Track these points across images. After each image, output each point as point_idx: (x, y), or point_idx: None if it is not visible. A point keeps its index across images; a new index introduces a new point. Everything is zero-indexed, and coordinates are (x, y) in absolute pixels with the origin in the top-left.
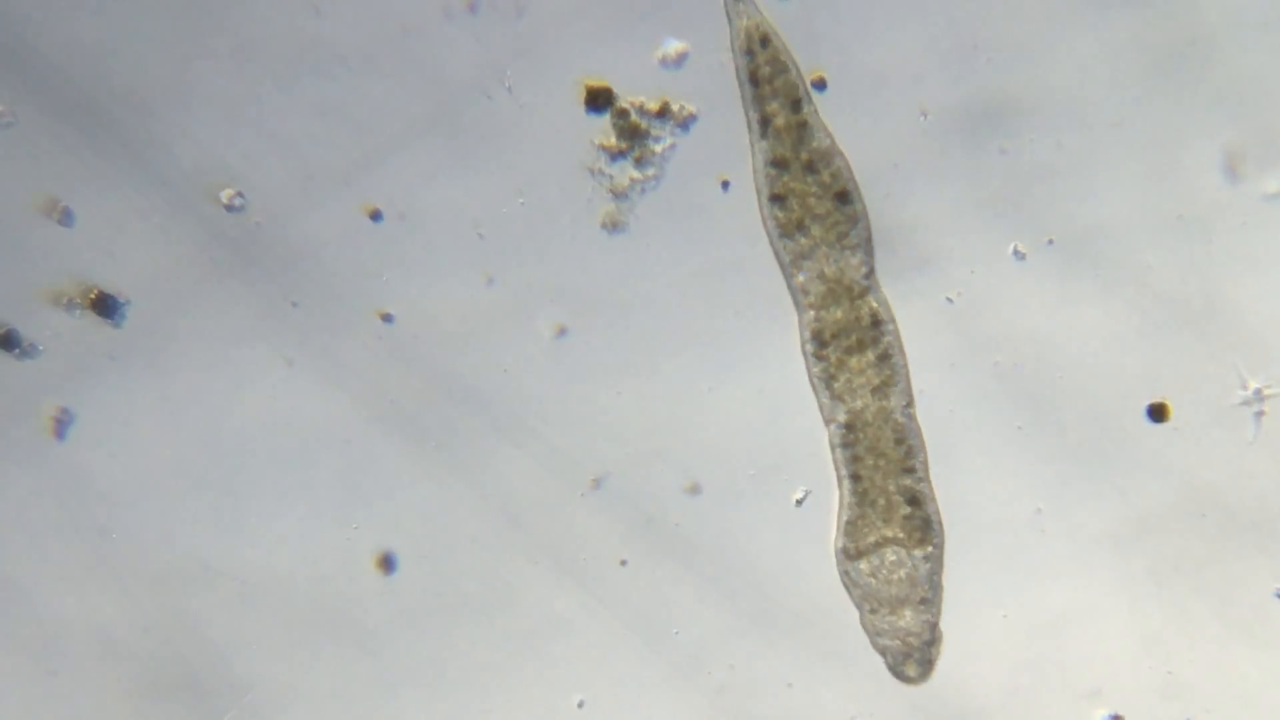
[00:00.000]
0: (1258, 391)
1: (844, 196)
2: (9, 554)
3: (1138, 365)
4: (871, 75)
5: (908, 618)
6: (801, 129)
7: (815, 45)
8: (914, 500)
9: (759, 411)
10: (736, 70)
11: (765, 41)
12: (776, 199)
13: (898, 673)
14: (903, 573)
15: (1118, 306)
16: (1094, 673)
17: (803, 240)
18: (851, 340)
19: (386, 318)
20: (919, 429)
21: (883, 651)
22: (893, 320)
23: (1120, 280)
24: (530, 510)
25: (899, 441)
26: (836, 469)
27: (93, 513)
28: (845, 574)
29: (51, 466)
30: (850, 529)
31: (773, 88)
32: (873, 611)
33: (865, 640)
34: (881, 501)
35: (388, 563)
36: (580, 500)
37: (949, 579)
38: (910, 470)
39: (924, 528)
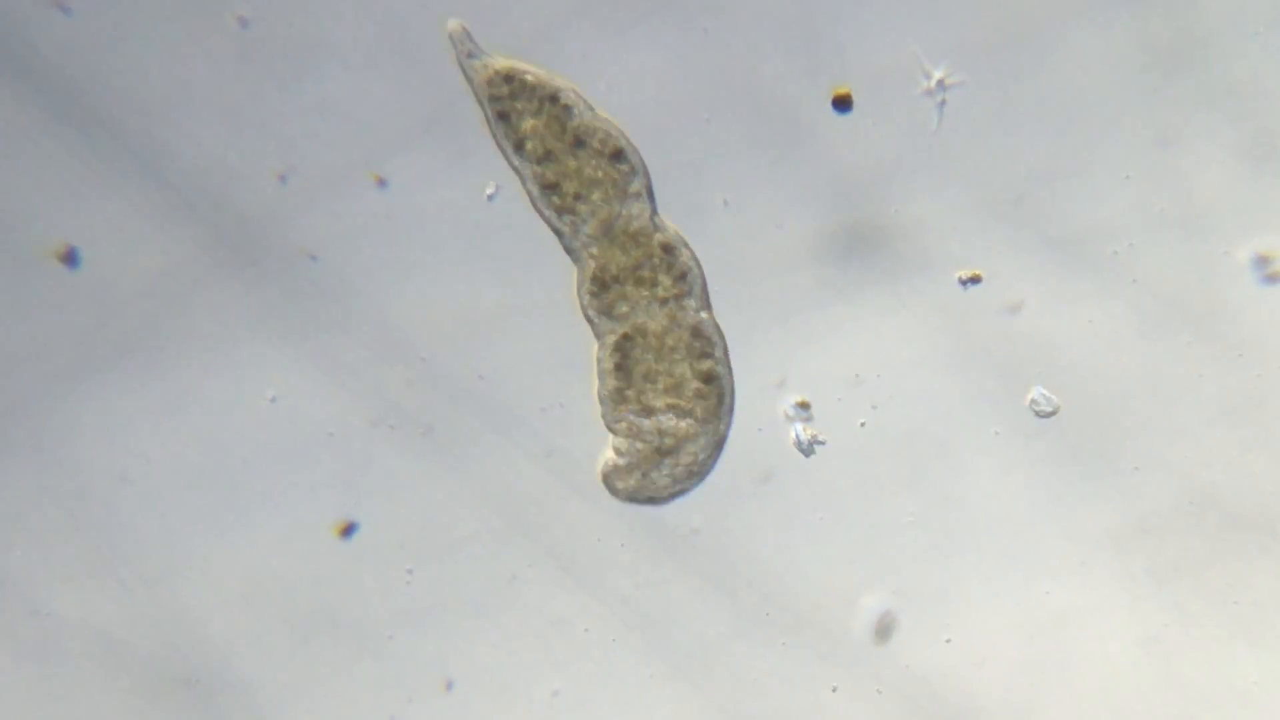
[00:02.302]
0: (940, 81)
1: (618, 155)
2: (9, 554)
3: (1138, 365)
4: (872, 75)
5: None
6: (559, 117)
7: (816, 44)
8: (709, 378)
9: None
10: (486, 118)
11: (509, 78)
12: (550, 187)
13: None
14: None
15: (1118, 306)
16: (1094, 673)
17: (582, 207)
18: (644, 273)
19: (384, 316)
20: (717, 325)
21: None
22: (686, 245)
23: (1120, 280)
24: (530, 510)
25: (696, 335)
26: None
27: (93, 513)
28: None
29: (52, 465)
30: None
31: (521, 105)
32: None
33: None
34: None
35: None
36: (580, 500)
37: (949, 579)
38: (708, 355)
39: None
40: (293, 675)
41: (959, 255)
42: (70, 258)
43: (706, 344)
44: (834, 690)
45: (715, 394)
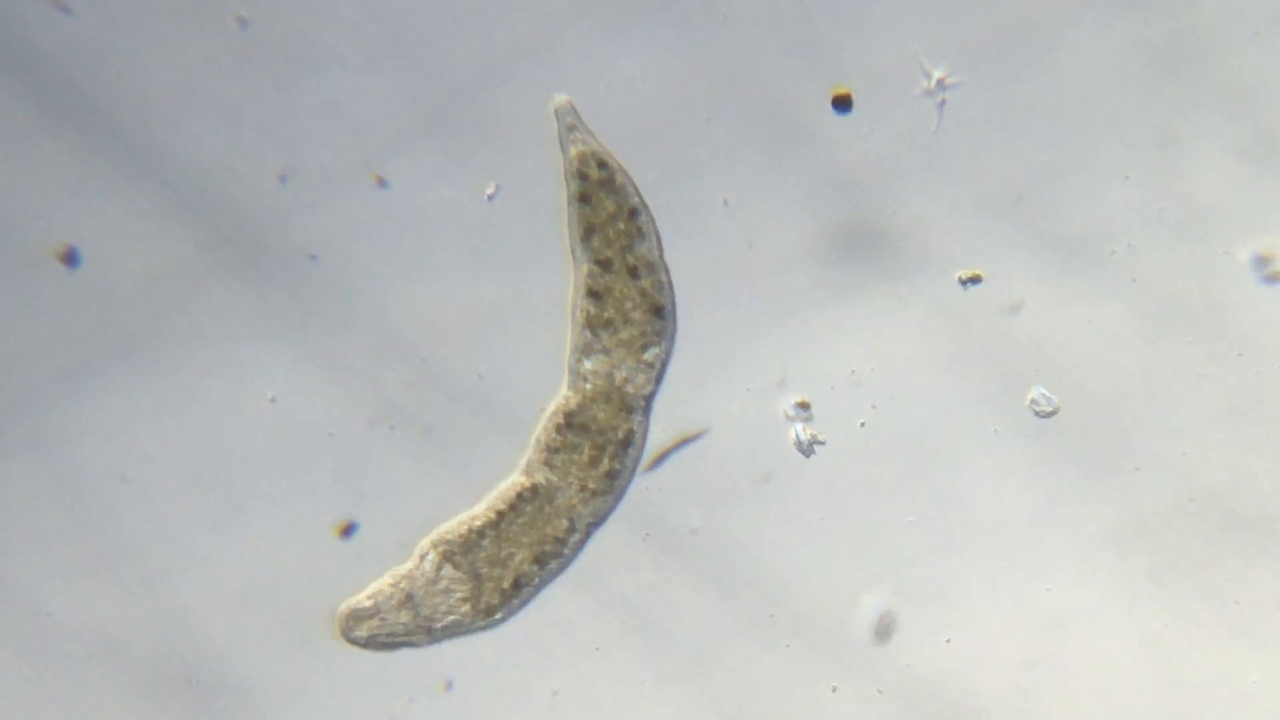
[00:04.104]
0: (940, 81)
1: (659, 311)
2: (9, 554)
3: (1138, 365)
4: (872, 75)
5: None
6: (630, 234)
7: (815, 45)
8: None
9: None
10: (569, 191)
11: (603, 164)
12: (594, 294)
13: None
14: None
15: (1118, 306)
16: (1094, 673)
17: (606, 338)
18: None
19: (384, 316)
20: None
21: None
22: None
23: (1120, 280)
24: (623, 612)
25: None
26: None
27: (93, 513)
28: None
29: (52, 465)
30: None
31: (604, 200)
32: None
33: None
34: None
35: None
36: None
37: (949, 579)
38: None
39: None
40: (293, 675)
41: (959, 255)
42: (70, 258)
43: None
44: (834, 690)
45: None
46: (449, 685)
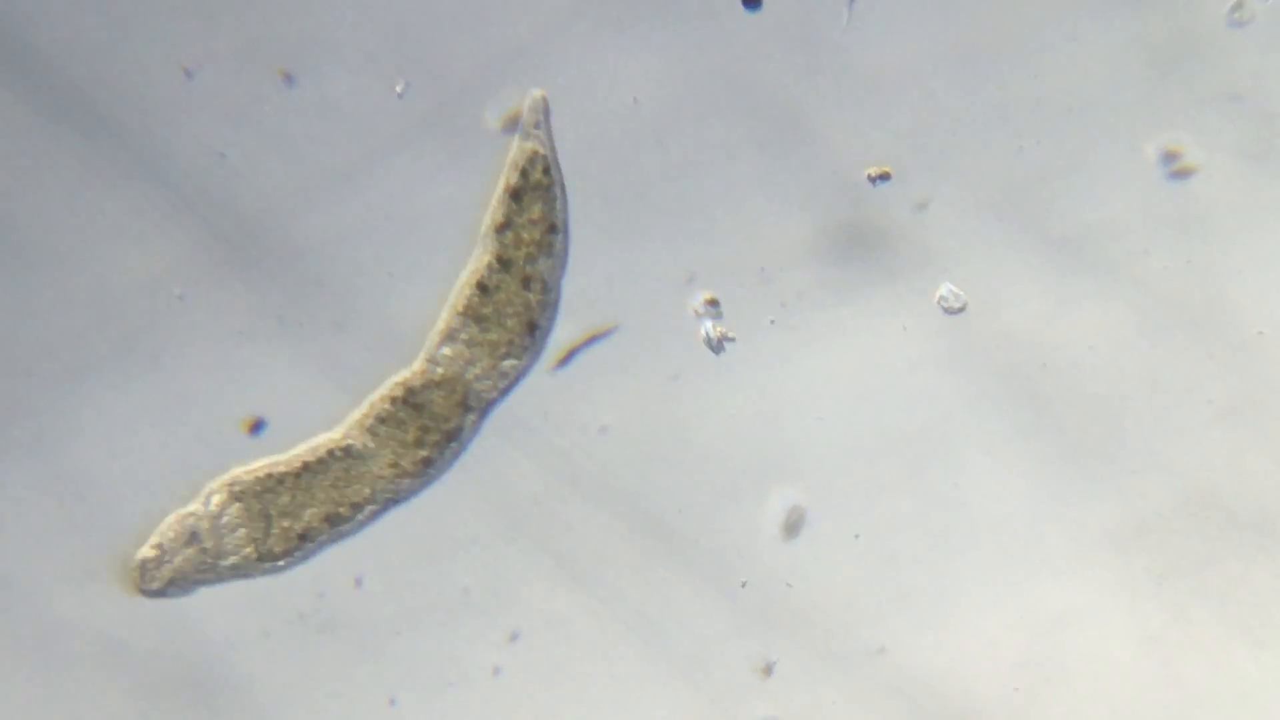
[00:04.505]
0: None
1: (533, 328)
2: (9, 554)
3: (1138, 365)
4: (873, 75)
5: None
6: (540, 246)
7: (817, 45)
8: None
9: None
10: (504, 180)
11: (549, 170)
12: (481, 287)
13: None
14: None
15: (1118, 307)
16: (1094, 673)
17: (474, 331)
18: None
19: (385, 316)
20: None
21: None
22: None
23: (1120, 280)
24: (530, 510)
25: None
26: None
27: (93, 513)
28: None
29: (52, 465)
30: None
31: (532, 203)
32: None
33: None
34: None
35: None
36: (579, 500)
37: (949, 579)
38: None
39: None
40: (293, 675)
41: (959, 255)
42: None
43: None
44: (743, 585)
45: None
46: (449, 685)
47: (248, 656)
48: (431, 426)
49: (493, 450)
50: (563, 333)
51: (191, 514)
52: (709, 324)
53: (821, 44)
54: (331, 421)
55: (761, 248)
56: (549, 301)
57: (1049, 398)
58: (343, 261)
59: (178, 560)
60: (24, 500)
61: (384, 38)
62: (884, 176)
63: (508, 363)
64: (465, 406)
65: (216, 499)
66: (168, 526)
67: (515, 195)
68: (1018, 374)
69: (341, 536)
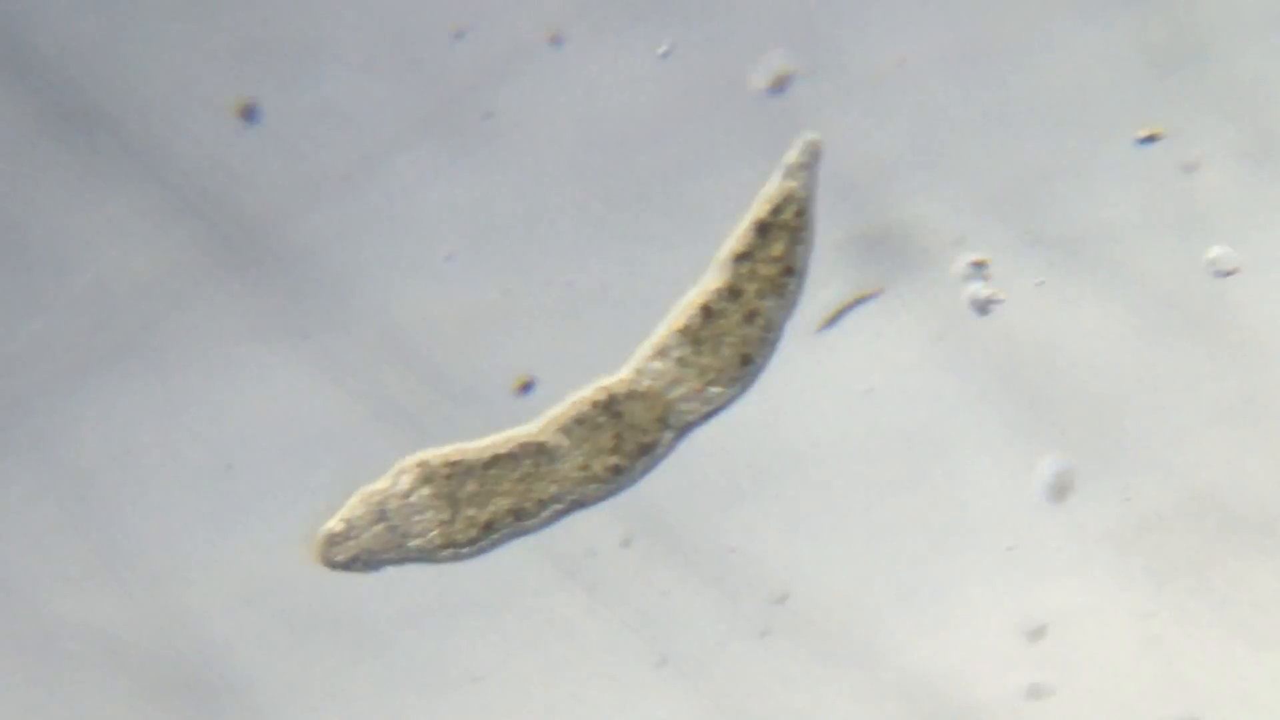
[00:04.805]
0: None
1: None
2: (9, 554)
3: (1138, 365)
4: (874, 75)
5: None
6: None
7: (817, 44)
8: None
9: None
10: (754, 211)
11: (800, 214)
12: (706, 310)
13: None
14: None
15: (1118, 307)
16: (1094, 673)
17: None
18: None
19: (384, 316)
20: None
21: None
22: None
23: (1120, 280)
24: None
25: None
26: None
27: (93, 513)
28: None
29: (52, 465)
30: None
31: (769, 250)
32: None
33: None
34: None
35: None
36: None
37: (949, 579)
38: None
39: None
40: (293, 675)
41: (959, 255)
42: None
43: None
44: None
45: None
46: (449, 685)
47: (248, 656)
48: (627, 436)
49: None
50: (829, 293)
51: (380, 491)
52: (976, 285)
53: (822, 45)
54: (333, 419)
55: (853, 350)
56: (769, 340)
57: (1049, 398)
58: (343, 261)
59: (365, 537)
60: (24, 500)
61: (384, 38)
62: (1152, 138)
63: (715, 389)
64: (664, 423)
65: (407, 479)
66: (356, 503)
67: (761, 229)
68: (1018, 374)
69: (523, 532)
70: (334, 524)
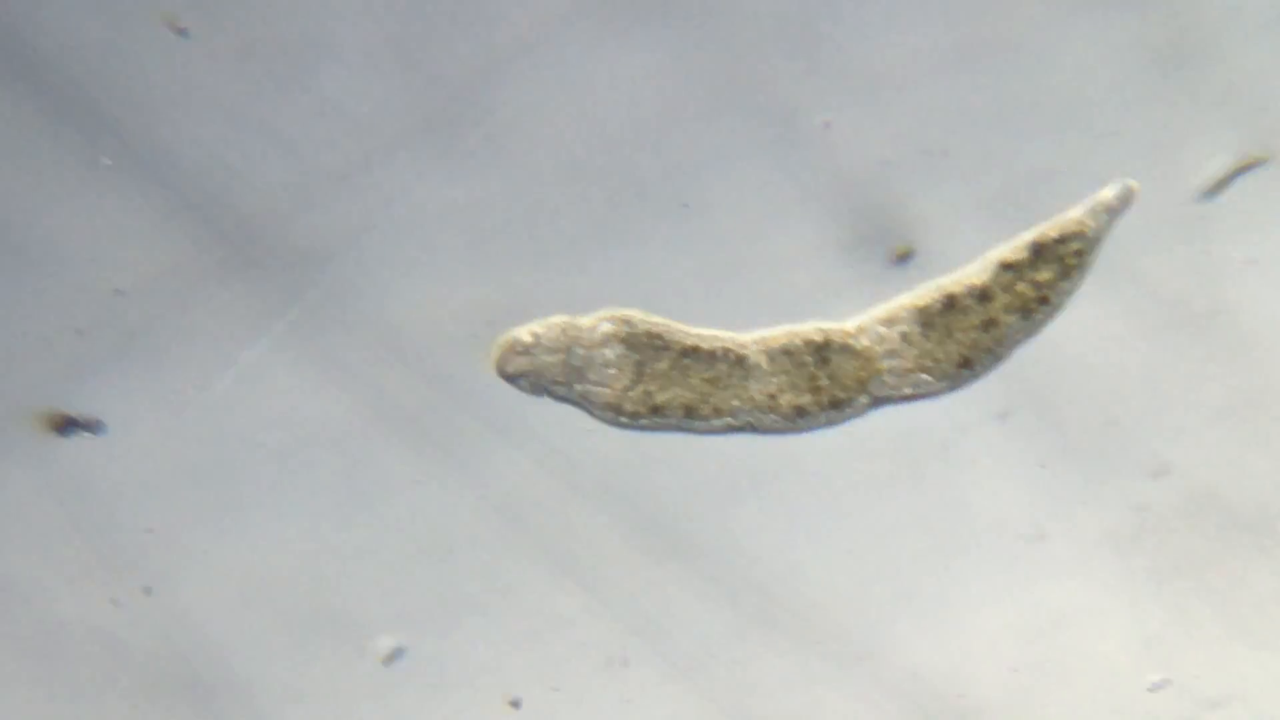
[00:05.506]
0: None
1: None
2: (9, 554)
3: (1138, 365)
4: (874, 74)
5: None
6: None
7: (817, 44)
8: None
9: None
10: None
11: (1080, 254)
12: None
13: None
14: None
15: (1118, 307)
16: (1094, 673)
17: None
18: None
19: (384, 316)
20: None
21: None
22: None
23: (1120, 280)
24: (530, 510)
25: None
26: None
27: (93, 513)
28: None
29: (52, 465)
30: None
31: (1037, 272)
32: None
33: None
34: None
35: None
36: (578, 500)
37: (949, 579)
38: None
39: None
40: (293, 675)
41: (959, 255)
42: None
43: None
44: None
45: None
46: (449, 686)
47: (248, 656)
48: (826, 384)
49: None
50: (1218, 163)
51: (579, 327)
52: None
53: (822, 45)
54: (333, 419)
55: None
56: (996, 354)
57: (1049, 398)
58: (343, 261)
59: (544, 359)
60: (24, 500)
61: (384, 38)
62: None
63: (925, 377)
64: (864, 387)
65: (606, 328)
66: (553, 325)
67: (1038, 249)
68: (1018, 374)
69: (685, 430)
70: (522, 333)
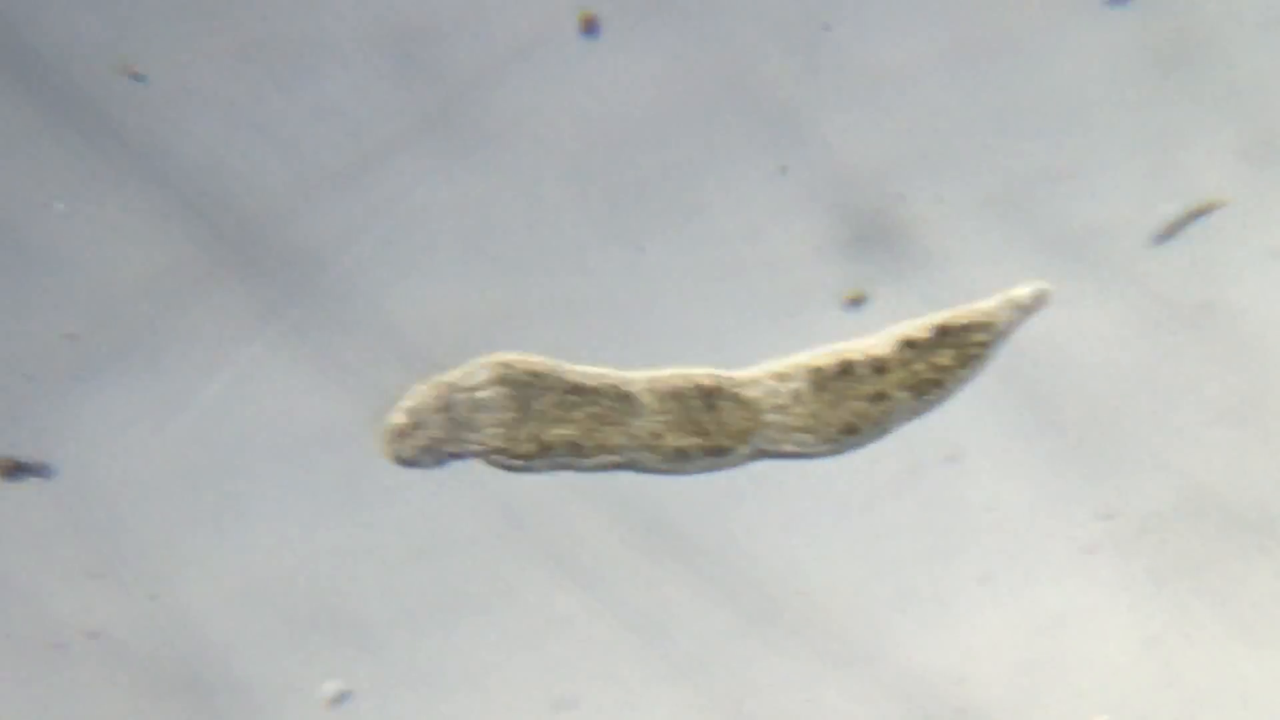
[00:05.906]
0: None
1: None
2: (9, 554)
3: (1138, 365)
4: (873, 74)
5: None
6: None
7: (817, 44)
8: None
9: None
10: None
11: (985, 344)
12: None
13: None
14: None
15: (1118, 306)
16: (1094, 673)
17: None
18: None
19: (384, 316)
20: None
21: None
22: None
23: (1120, 280)
24: (530, 510)
25: None
26: None
27: (93, 513)
28: None
29: (52, 465)
30: None
31: (938, 357)
32: None
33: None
34: None
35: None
36: (580, 500)
37: (949, 580)
38: None
39: None
40: (293, 675)
41: (959, 255)
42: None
43: None
44: (840, 692)
45: None
46: (450, 686)
47: (248, 656)
48: (709, 430)
49: None
50: (1169, 210)
51: (449, 382)
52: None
53: (822, 45)
54: (333, 419)
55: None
56: (881, 428)
57: (1049, 398)
58: (343, 261)
59: (430, 427)
60: (24, 500)
61: (384, 37)
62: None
63: (807, 438)
64: (746, 438)
65: (483, 375)
66: (425, 391)
67: (943, 333)
68: (1018, 374)
69: (572, 469)
70: (396, 416)
